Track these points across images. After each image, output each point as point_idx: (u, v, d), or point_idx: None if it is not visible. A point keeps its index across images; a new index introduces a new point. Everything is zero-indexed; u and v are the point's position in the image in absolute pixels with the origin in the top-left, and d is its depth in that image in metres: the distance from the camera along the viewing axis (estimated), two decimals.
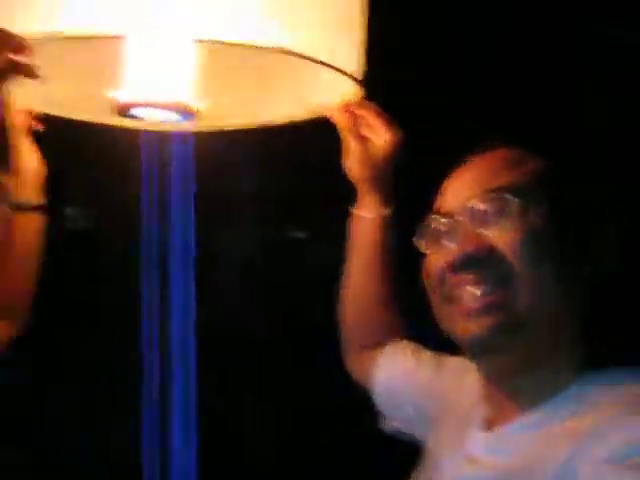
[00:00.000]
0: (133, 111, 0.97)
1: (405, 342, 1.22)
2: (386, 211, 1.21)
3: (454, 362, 1.09)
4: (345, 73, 0.96)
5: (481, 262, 0.86)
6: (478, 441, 0.91)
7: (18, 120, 1.21)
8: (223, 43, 0.83)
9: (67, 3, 0.82)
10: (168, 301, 1.11)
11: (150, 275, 1.14)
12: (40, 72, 0.88)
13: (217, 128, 1.18)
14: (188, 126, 1.14)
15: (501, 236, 0.86)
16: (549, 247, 0.86)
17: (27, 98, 1.06)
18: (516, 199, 0.86)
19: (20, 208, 1.26)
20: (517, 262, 0.85)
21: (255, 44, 0.84)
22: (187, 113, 1.00)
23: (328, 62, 0.92)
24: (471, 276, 0.86)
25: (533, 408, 0.86)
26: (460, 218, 0.89)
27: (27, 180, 1.26)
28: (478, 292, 0.86)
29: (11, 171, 0.86)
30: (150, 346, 1.14)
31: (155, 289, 1.15)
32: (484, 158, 0.93)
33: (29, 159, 1.26)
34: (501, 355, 0.87)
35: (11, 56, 0.86)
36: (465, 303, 0.87)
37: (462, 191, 0.90)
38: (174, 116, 0.99)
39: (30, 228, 1.28)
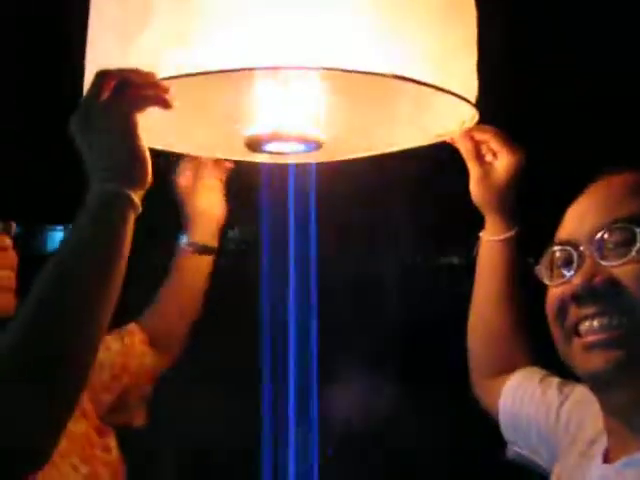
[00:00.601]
0: (264, 146, 1.04)
1: (534, 369, 1.21)
2: (509, 234, 1.21)
3: (580, 391, 1.07)
4: (462, 97, 0.98)
5: (604, 294, 0.85)
6: (597, 473, 0.90)
7: (206, 164, 1.30)
8: (346, 71, 0.87)
9: (200, 41, 0.88)
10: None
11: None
12: (172, 103, 0.93)
13: (338, 158, 1.22)
14: (312, 158, 1.19)
15: (626, 268, 0.85)
16: None
17: (162, 138, 1.12)
18: (638, 229, 0.85)
19: (197, 249, 1.34)
20: None
21: (374, 72, 0.88)
22: (313, 144, 1.06)
23: (444, 87, 0.95)
24: (594, 309, 0.86)
25: None
26: (583, 249, 0.88)
27: (207, 222, 1.34)
28: (601, 325, 0.85)
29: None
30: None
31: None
32: (609, 184, 0.91)
33: (212, 202, 1.33)
34: (623, 390, 0.86)
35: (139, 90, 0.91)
36: (587, 336, 0.86)
37: (585, 220, 0.89)
38: (301, 147, 1.05)
39: (201, 270, 1.35)
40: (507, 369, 1.22)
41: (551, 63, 1.58)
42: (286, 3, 0.87)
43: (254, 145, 1.04)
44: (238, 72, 0.90)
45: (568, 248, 0.90)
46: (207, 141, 1.20)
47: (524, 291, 1.23)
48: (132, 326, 1.32)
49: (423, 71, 0.93)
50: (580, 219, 0.90)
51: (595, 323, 0.86)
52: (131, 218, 0.91)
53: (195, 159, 1.30)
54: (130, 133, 0.90)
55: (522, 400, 1.17)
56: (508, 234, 1.21)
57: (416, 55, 0.91)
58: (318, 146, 1.06)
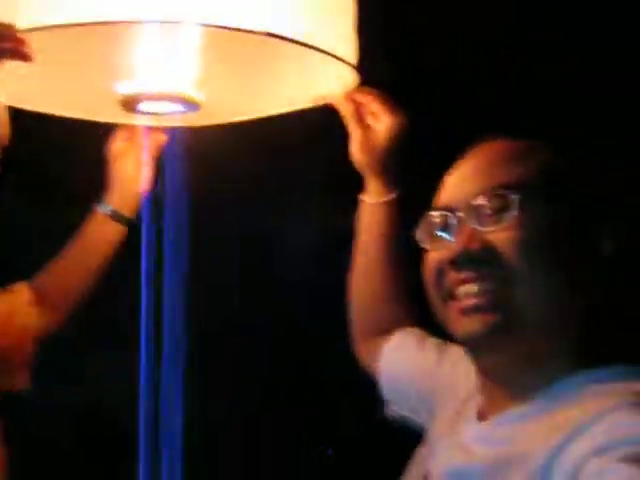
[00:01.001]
0: (139, 106, 1.01)
1: (412, 329, 1.22)
2: (390, 196, 1.22)
3: (456, 352, 1.08)
4: (340, 59, 0.98)
5: (481, 260, 0.86)
6: (471, 431, 0.91)
7: (132, 134, 1.28)
8: (218, 27, 0.85)
9: None
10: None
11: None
12: (32, 57, 0.88)
13: (223, 121, 1.20)
14: (194, 121, 1.17)
15: (502, 234, 0.85)
16: (551, 246, 0.85)
17: (25, 97, 1.07)
18: (518, 197, 0.85)
19: (111, 215, 1.33)
20: (517, 261, 0.84)
21: (247, 29, 0.86)
22: (192, 105, 1.03)
23: (320, 47, 0.94)
24: (470, 273, 0.86)
25: (526, 401, 0.86)
26: (461, 214, 0.89)
27: (127, 192, 1.33)
28: (477, 290, 0.86)
29: None
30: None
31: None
32: (487, 151, 0.92)
33: (136, 173, 1.30)
34: (497, 352, 0.87)
35: None
36: (463, 300, 0.87)
37: (463, 186, 0.90)
38: (179, 108, 1.02)
39: (109, 237, 1.34)
40: (388, 330, 1.23)
41: (431, 25, 1.59)
42: None
43: (129, 105, 1.01)
44: (109, 27, 0.86)
45: (446, 213, 0.90)
46: (79, 101, 1.15)
47: (405, 254, 1.24)
48: (20, 286, 1.31)
49: (299, 31, 0.91)
50: (458, 185, 0.91)
51: (471, 288, 0.86)
52: None
53: (128, 127, 1.27)
54: None
55: (401, 360, 1.19)
56: (389, 197, 1.22)
57: (293, 16, 0.90)
58: (197, 107, 1.03)
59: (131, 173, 1.31)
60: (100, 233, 1.34)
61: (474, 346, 0.90)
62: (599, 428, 0.76)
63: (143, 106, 1.02)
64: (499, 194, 0.86)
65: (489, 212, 0.87)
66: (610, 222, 0.88)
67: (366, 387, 1.25)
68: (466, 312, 0.87)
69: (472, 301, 0.86)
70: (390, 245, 1.24)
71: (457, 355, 1.07)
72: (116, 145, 1.31)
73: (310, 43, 0.93)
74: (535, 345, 0.86)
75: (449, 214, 0.90)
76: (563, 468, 0.76)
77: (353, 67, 1.02)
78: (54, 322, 1.33)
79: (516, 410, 0.86)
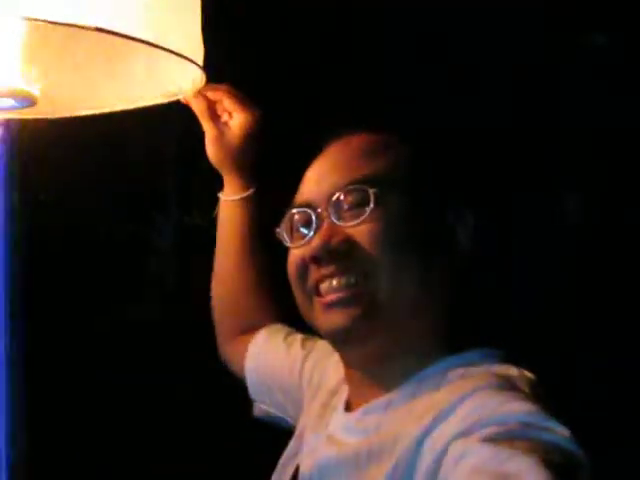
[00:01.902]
0: None
1: (277, 326, 1.23)
2: (248, 193, 1.21)
3: (322, 345, 1.10)
4: (183, 57, 0.94)
5: (341, 254, 0.87)
6: (338, 422, 0.93)
7: None
8: (45, 21, 0.79)
9: None
10: None
11: None
12: None
13: (60, 115, 1.14)
14: (31, 114, 1.10)
15: (361, 228, 0.87)
16: (410, 236, 0.87)
17: None
18: (375, 190, 0.86)
19: None
20: (376, 253, 0.86)
21: (78, 24, 0.81)
22: (24, 99, 0.97)
23: (157, 43, 0.89)
24: (331, 268, 0.87)
25: (391, 389, 0.88)
26: (320, 210, 0.89)
27: None
28: (338, 284, 0.87)
29: None
30: None
31: None
32: (345, 145, 0.93)
33: None
34: (362, 344, 0.88)
35: None
36: (327, 295, 0.88)
37: (322, 182, 0.90)
38: (10, 102, 0.96)
39: None
40: (252, 329, 1.23)
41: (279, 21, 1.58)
42: None
43: None
44: None
45: (307, 210, 0.90)
46: None
47: (266, 250, 1.24)
48: None
49: (137, 27, 0.87)
50: (317, 181, 0.91)
51: (334, 282, 0.87)
52: None
53: None
54: None
55: (267, 357, 1.19)
56: (246, 193, 1.21)
57: (133, 11, 0.85)
58: (31, 102, 0.97)
59: None
60: None
61: (339, 340, 0.91)
62: (462, 411, 0.78)
63: None
64: (356, 188, 0.88)
65: (347, 207, 0.88)
66: (465, 210, 0.91)
67: None
68: (330, 307, 0.87)
69: (335, 295, 0.87)
70: (250, 242, 1.23)
71: (324, 349, 1.07)
72: None
73: (149, 40, 0.88)
74: (398, 335, 0.87)
75: (309, 210, 0.90)
76: (429, 451, 0.77)
77: (199, 66, 0.98)
78: None
79: (382, 399, 0.88)
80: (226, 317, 1.26)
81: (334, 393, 0.99)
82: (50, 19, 0.78)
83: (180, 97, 1.13)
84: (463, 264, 0.90)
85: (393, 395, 0.87)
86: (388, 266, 0.86)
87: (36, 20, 0.78)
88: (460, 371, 0.84)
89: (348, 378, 0.94)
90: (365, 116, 1.01)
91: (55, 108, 1.11)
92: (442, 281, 0.89)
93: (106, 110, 1.15)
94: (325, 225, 0.88)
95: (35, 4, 0.79)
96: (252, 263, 1.23)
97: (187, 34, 0.95)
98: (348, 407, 0.93)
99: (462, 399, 0.79)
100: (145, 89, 1.12)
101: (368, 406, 0.89)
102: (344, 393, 0.96)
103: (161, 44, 0.90)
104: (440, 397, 0.82)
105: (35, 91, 0.96)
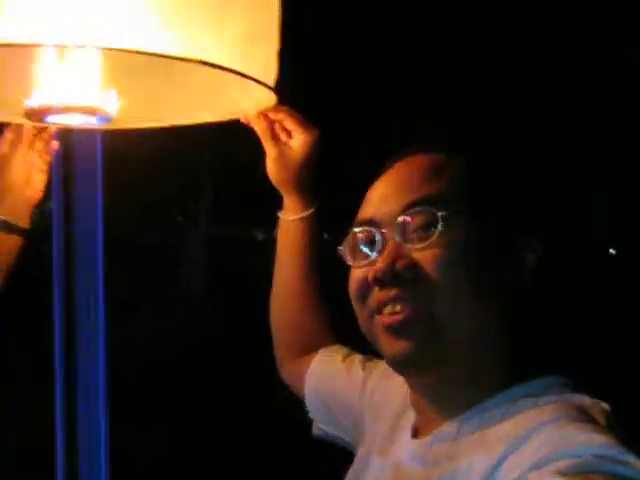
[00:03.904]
0: (47, 117, 0.96)
1: (336, 347, 1.22)
2: (308, 212, 1.22)
3: (383, 366, 1.06)
4: (258, 81, 0.97)
5: (406, 279, 0.86)
6: (406, 449, 0.91)
7: (26, 135, 1.19)
8: (131, 52, 0.83)
9: None
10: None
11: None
12: None
13: (125, 127, 1.16)
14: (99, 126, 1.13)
15: (427, 252, 0.85)
16: (476, 262, 0.86)
17: None
18: (443, 213, 0.85)
19: (7, 228, 1.23)
20: (442, 280, 0.84)
21: (168, 54, 0.84)
22: (101, 116, 1.00)
23: (242, 71, 0.93)
24: (395, 292, 0.86)
25: (457, 417, 0.86)
26: (386, 230, 0.88)
27: (16, 199, 1.23)
28: (402, 309, 0.86)
29: None
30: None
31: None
32: (411, 164, 0.91)
33: (26, 179, 1.22)
34: (425, 372, 0.88)
35: None
36: (388, 318, 0.87)
37: (387, 202, 0.89)
38: (88, 119, 0.99)
39: (7, 249, 1.24)
40: (311, 348, 1.23)
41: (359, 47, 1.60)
42: None
43: (35, 117, 0.97)
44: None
45: (371, 229, 0.89)
46: None
47: (325, 270, 1.25)
48: None
49: (218, 53, 0.89)
50: (382, 200, 0.90)
51: (397, 307, 0.86)
52: None
53: (16, 128, 1.19)
54: None
55: (327, 378, 1.19)
56: (306, 213, 1.22)
57: (213, 37, 0.88)
58: (108, 119, 1.00)
59: (21, 178, 1.22)
60: None
61: (400, 366, 0.89)
62: (535, 442, 0.77)
63: (51, 119, 0.98)
64: (424, 210, 0.86)
65: (414, 228, 0.86)
66: (531, 235, 0.89)
67: None
68: (390, 331, 0.86)
69: (397, 320, 0.86)
70: (310, 261, 1.23)
71: (385, 370, 1.04)
72: (2, 147, 1.22)
73: (227, 66, 0.91)
74: (461, 363, 0.86)
75: (373, 230, 0.89)
76: None
77: (271, 88, 1.01)
78: None
79: (451, 427, 0.87)
80: (284, 335, 1.27)
81: (400, 416, 0.98)
82: (152, 51, 0.81)
83: (241, 116, 1.16)
84: (528, 291, 0.88)
85: (462, 424, 0.86)
86: (452, 294, 0.84)
87: (139, 52, 0.82)
88: (530, 400, 0.83)
89: (414, 402, 0.93)
90: (428, 134, 1.00)
91: (121, 120, 1.14)
92: (506, 308, 0.88)
93: (169, 124, 1.18)
94: (390, 246, 0.87)
95: (116, 34, 0.83)
96: (311, 282, 1.24)
97: (263, 57, 0.97)
98: (415, 433, 0.92)
99: (534, 430, 0.78)
100: (207, 107, 1.15)
101: (437, 434, 0.88)
102: (410, 417, 0.95)
103: (236, 68, 0.92)
104: (511, 427, 0.81)
105: (113, 110, 0.99)
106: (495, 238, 0.88)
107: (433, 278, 0.85)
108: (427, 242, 0.86)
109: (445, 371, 0.87)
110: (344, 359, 1.19)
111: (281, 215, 1.24)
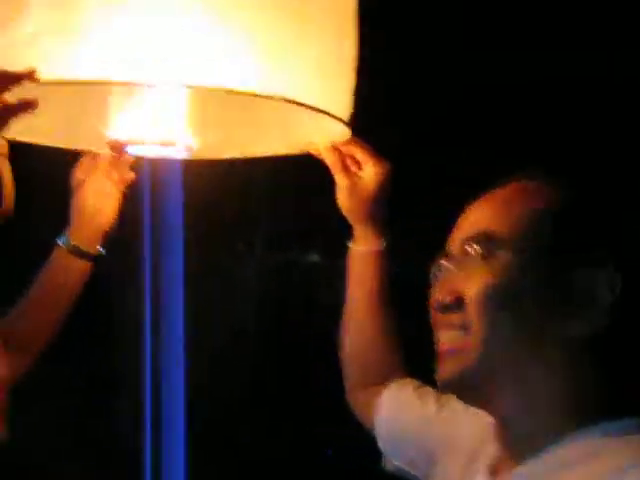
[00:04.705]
0: (128, 148, 1.00)
1: (409, 380, 1.21)
2: (379, 244, 1.22)
3: (455, 400, 1.02)
4: (335, 117, 0.99)
5: (452, 307, 0.86)
6: None
7: (102, 163, 1.21)
8: (214, 90, 0.86)
9: (65, 51, 0.83)
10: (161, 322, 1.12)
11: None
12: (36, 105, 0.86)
13: (201, 157, 1.18)
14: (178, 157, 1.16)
15: (471, 282, 0.85)
16: (524, 296, 0.84)
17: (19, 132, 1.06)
18: (490, 245, 0.85)
19: (73, 251, 1.25)
20: (483, 311, 0.84)
21: (246, 91, 0.87)
22: (181, 149, 1.03)
23: (318, 107, 0.95)
24: (444, 319, 0.87)
25: (534, 456, 0.84)
26: (447, 260, 0.89)
27: (90, 225, 1.25)
28: (446, 336, 0.87)
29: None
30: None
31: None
32: (491, 194, 0.91)
33: (101, 206, 1.24)
34: (471, 396, 0.88)
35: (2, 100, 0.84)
36: (437, 344, 0.88)
37: (457, 231, 0.90)
38: (169, 151, 1.02)
39: (74, 274, 1.26)
40: (382, 380, 1.22)
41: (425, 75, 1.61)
42: (169, 20, 0.84)
43: (116, 147, 1.01)
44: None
45: (443, 255, 0.91)
46: (65, 134, 1.14)
47: (396, 300, 1.24)
48: None
49: (296, 90, 0.92)
50: (457, 227, 0.91)
51: (443, 334, 0.87)
52: None
53: (93, 156, 1.21)
54: None
55: (398, 411, 1.17)
56: (377, 244, 1.22)
57: (292, 74, 0.91)
58: (188, 152, 1.04)
59: (94, 204, 1.24)
60: (63, 270, 1.26)
61: (443, 390, 0.90)
62: None
63: (132, 150, 1.02)
64: (477, 240, 0.86)
65: (469, 261, 0.87)
66: (607, 269, 0.85)
67: None
68: (439, 357, 0.87)
69: (442, 346, 0.87)
70: (380, 292, 1.22)
71: (458, 405, 1.02)
72: (79, 174, 1.24)
73: (305, 102, 0.93)
74: (527, 394, 0.85)
75: (443, 256, 0.90)
76: None
77: (345, 123, 1.03)
78: (23, 366, 1.26)
79: (530, 467, 0.84)
80: (355, 366, 1.26)
81: (475, 453, 0.96)
82: (234, 88, 0.84)
83: (312, 149, 1.18)
84: (602, 323, 0.84)
85: (541, 464, 0.84)
86: (492, 325, 0.83)
87: (221, 91, 0.85)
88: (613, 441, 0.81)
89: (496, 435, 0.90)
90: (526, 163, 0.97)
91: (199, 151, 1.17)
92: (573, 342, 0.84)
93: (242, 156, 1.21)
94: (446, 275, 0.88)
95: (210, 74, 0.86)
96: (384, 314, 1.23)
97: (340, 92, 0.99)
98: (493, 471, 0.90)
99: (626, 470, 0.76)
100: (280, 139, 1.17)
101: (517, 473, 0.85)
102: (488, 454, 0.92)
103: (313, 103, 0.95)
104: (601, 467, 0.79)
105: (192, 143, 1.02)
106: (566, 281, 0.85)
107: (474, 307, 0.85)
108: (477, 274, 0.85)
109: (502, 403, 0.86)
110: (416, 391, 1.17)
111: (351, 245, 1.24)
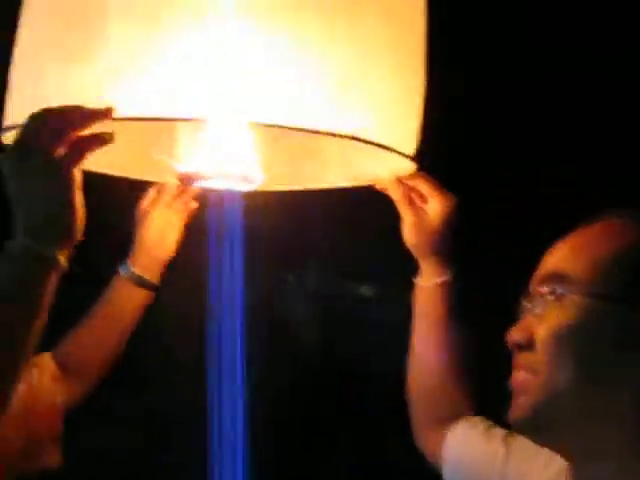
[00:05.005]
0: (196, 182, 1.01)
1: (477, 418, 1.20)
2: (445, 278, 1.20)
3: (524, 442, 1.02)
4: (402, 153, 0.99)
5: (525, 347, 0.87)
6: None
7: (167, 194, 1.24)
8: (282, 127, 0.87)
9: (140, 88, 0.85)
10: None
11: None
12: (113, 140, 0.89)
13: (263, 189, 1.21)
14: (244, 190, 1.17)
15: (544, 324, 0.85)
16: (596, 343, 0.84)
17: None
18: (562, 289, 0.84)
19: (133, 280, 1.27)
20: (550, 353, 0.84)
21: (314, 130, 0.87)
22: (247, 182, 1.04)
23: (385, 144, 0.95)
24: (518, 358, 0.88)
25: None
26: (526, 298, 0.89)
27: (152, 255, 1.27)
28: (518, 375, 0.87)
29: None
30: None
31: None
32: (575, 233, 0.90)
33: (163, 236, 1.26)
34: (554, 441, 0.87)
35: (79, 134, 0.86)
36: (512, 383, 0.88)
37: (538, 271, 0.90)
38: (237, 185, 1.03)
39: (134, 303, 1.28)
40: (449, 417, 1.20)
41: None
42: (243, 60, 0.85)
43: (185, 181, 1.02)
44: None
45: (525, 293, 0.90)
46: (133, 164, 1.16)
47: (465, 336, 1.22)
48: (44, 358, 1.24)
49: (364, 127, 0.92)
50: (539, 266, 0.90)
51: (516, 372, 0.88)
52: (53, 278, 0.87)
53: (159, 186, 1.24)
54: (68, 192, 0.86)
55: (466, 451, 1.16)
56: (443, 278, 1.21)
57: (363, 113, 0.91)
58: (254, 185, 1.05)
59: (157, 236, 1.26)
60: (123, 298, 1.28)
61: (517, 430, 0.90)
62: None
63: (200, 183, 1.03)
64: (552, 281, 0.86)
65: (542, 299, 0.86)
66: None
67: None
68: (512, 395, 0.87)
69: (516, 385, 0.87)
70: (447, 327, 1.21)
71: (528, 446, 1.01)
72: (144, 204, 1.27)
73: (374, 140, 0.94)
74: (595, 441, 0.84)
75: (525, 295, 0.90)
76: None
77: (412, 159, 1.03)
78: (80, 394, 1.28)
79: None
80: (423, 404, 1.24)
81: None
82: (303, 127, 0.85)
83: (376, 183, 1.17)
84: None
85: None
86: (559, 368, 0.83)
87: (292, 129, 0.85)
88: None
89: (567, 478, 0.90)
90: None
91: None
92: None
93: (303, 188, 1.21)
94: (526, 314, 0.88)
95: (282, 113, 0.87)
96: (452, 350, 1.21)
97: (408, 128, 1.00)
98: None
99: None
100: (342, 173, 1.17)
101: None
102: None
103: (382, 141, 0.95)
104: None
105: (260, 177, 1.03)
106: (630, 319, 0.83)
107: (542, 353, 0.85)
108: (548, 317, 0.85)
109: (575, 444, 0.85)
110: (485, 432, 1.16)
111: (417, 280, 1.23)
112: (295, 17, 0.85)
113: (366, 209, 1.23)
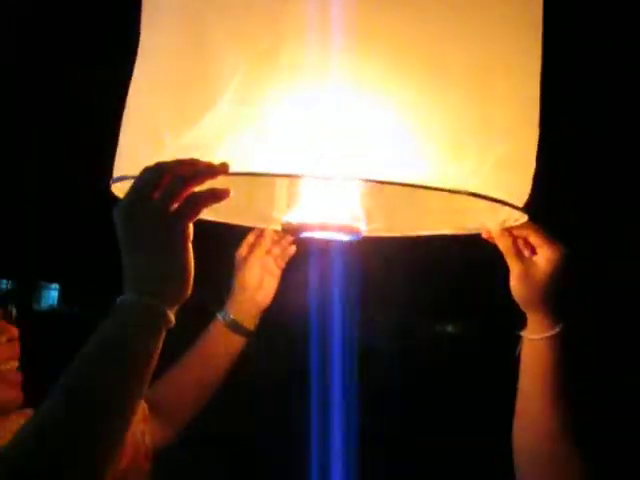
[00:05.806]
0: (302, 232, 1.01)
1: None
2: (554, 331, 1.15)
3: None
4: (513, 206, 0.96)
5: None
6: None
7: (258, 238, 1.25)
8: (391, 183, 0.85)
9: (249, 145, 0.85)
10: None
11: None
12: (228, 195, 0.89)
13: (364, 235, 1.20)
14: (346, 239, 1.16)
15: None
16: None
17: None
18: None
19: (229, 325, 1.27)
20: None
21: (425, 186, 0.85)
22: (351, 233, 1.03)
23: (496, 196, 0.92)
24: None
25: None
26: None
27: (248, 301, 1.27)
28: None
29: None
30: None
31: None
32: None
33: (260, 282, 1.26)
34: None
35: (194, 189, 0.86)
36: None
37: None
38: (341, 236, 1.02)
39: (229, 348, 1.28)
40: (555, 477, 1.16)
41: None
42: (349, 116, 0.84)
43: (291, 231, 1.02)
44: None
45: None
46: (237, 211, 1.16)
47: (575, 391, 1.17)
48: None
49: (476, 182, 0.89)
50: None
51: None
52: (163, 334, 0.86)
53: (258, 231, 1.25)
54: (183, 250, 0.85)
55: None
56: (551, 332, 1.15)
57: (474, 168, 0.88)
58: (358, 236, 1.03)
59: (254, 281, 1.26)
60: (218, 343, 1.28)
61: None
62: None
63: (305, 233, 1.02)
64: None
65: None
66: None
67: None
68: None
69: None
70: (557, 386, 1.16)
71: None
72: (243, 249, 1.26)
73: (483, 193, 0.91)
74: None
75: None
76: None
77: (523, 210, 1.00)
78: (170, 435, 1.28)
79: None
80: (526, 458, 1.18)
81: None
82: (412, 182, 0.83)
83: (483, 232, 1.14)
84: None
85: None
86: None
87: (400, 185, 0.84)
88: None
89: None
90: None
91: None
92: None
93: (403, 235, 1.19)
94: None
95: (390, 168, 0.85)
96: (559, 408, 1.15)
97: (520, 181, 0.97)
98: None
99: None
100: (447, 221, 1.14)
101: None
102: None
103: (491, 194, 0.92)
104: None
105: (365, 228, 1.02)
106: None
107: None
108: None
109: None
110: None
111: (524, 334, 1.17)
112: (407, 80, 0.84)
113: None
